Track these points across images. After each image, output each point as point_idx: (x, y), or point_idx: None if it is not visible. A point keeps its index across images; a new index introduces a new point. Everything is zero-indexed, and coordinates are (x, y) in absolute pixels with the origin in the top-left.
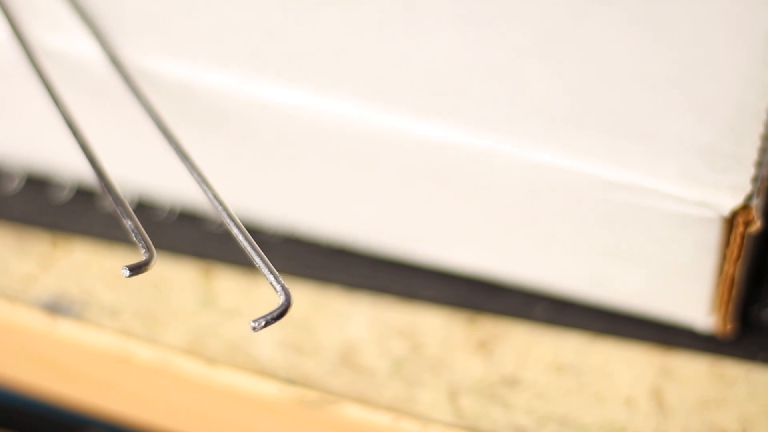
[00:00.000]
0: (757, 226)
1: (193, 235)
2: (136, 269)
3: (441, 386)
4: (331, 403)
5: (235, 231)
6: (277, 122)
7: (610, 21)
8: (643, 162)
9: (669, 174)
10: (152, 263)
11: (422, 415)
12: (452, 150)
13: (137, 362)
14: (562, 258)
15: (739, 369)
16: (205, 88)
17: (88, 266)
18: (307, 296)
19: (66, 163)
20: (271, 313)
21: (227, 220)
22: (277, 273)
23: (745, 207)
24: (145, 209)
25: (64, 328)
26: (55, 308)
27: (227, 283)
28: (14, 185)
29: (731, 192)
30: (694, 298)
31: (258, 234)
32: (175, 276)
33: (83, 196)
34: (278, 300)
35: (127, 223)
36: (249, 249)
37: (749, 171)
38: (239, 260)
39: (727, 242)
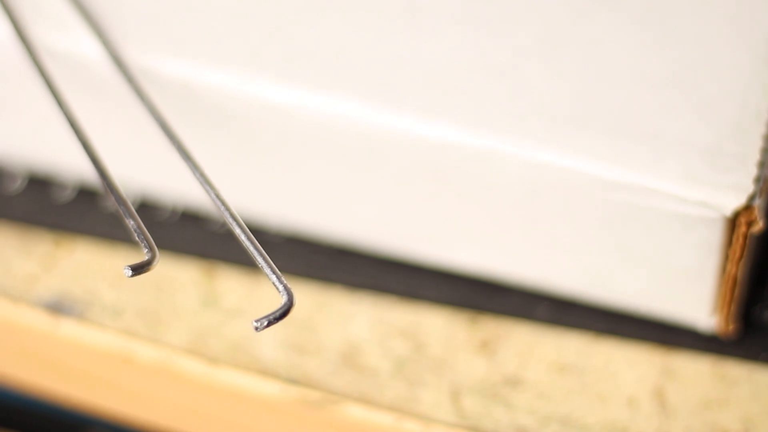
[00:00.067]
0: (759, 226)
1: (196, 234)
2: (138, 269)
3: (443, 386)
4: (334, 403)
5: (237, 231)
6: (279, 122)
7: (613, 21)
8: (645, 162)
9: (671, 174)
10: (154, 263)
11: (424, 415)
12: (454, 150)
13: (140, 362)
14: (564, 258)
15: (742, 369)
16: (208, 87)
17: (90, 266)
18: (309, 296)
19: (68, 163)
20: (273, 313)
21: (229, 220)
22: (279, 273)
23: (748, 207)
24: (147, 209)
25: (67, 327)
26: (58, 308)
27: (229, 282)
28: (17, 185)
29: (734, 192)
30: (697, 299)
31: (260, 234)
32: (177, 276)
33: (86, 195)
34: (280, 300)
35: (130, 223)
36: (251, 249)
37: (751, 171)
38: (241, 260)
39: (729, 242)
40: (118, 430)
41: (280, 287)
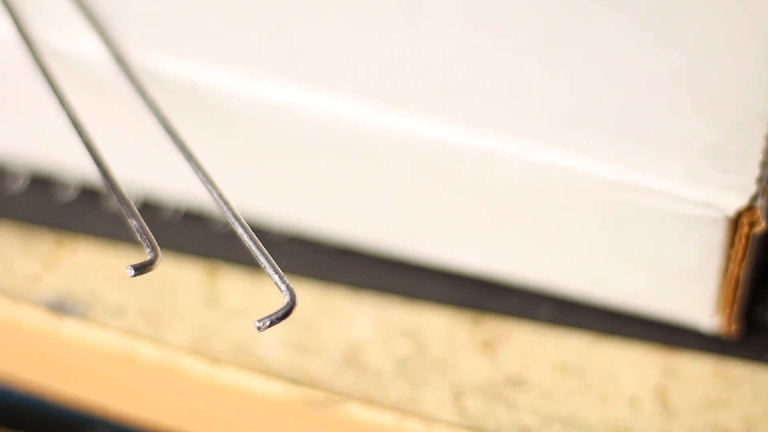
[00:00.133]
0: (761, 226)
1: (198, 234)
2: (140, 269)
3: (445, 386)
4: (336, 403)
5: (240, 231)
6: (282, 122)
7: (614, 21)
8: (647, 162)
9: (674, 174)
10: (157, 263)
11: (427, 415)
12: (456, 150)
13: (142, 362)
14: (567, 258)
15: (744, 369)
16: (210, 87)
17: (92, 266)
18: (311, 296)
19: (71, 163)
20: (275, 312)
21: (232, 220)
22: (281, 273)
23: (750, 207)
24: (150, 209)
25: (69, 327)
26: (60, 308)
27: (232, 282)
28: (19, 185)
29: (736, 192)
30: (699, 299)
31: (263, 234)
32: (179, 275)
33: (88, 195)
34: (283, 300)
35: (132, 223)
36: (254, 249)
37: (754, 171)
38: (244, 260)
39: (731, 243)
40: (121, 429)
41: (283, 287)
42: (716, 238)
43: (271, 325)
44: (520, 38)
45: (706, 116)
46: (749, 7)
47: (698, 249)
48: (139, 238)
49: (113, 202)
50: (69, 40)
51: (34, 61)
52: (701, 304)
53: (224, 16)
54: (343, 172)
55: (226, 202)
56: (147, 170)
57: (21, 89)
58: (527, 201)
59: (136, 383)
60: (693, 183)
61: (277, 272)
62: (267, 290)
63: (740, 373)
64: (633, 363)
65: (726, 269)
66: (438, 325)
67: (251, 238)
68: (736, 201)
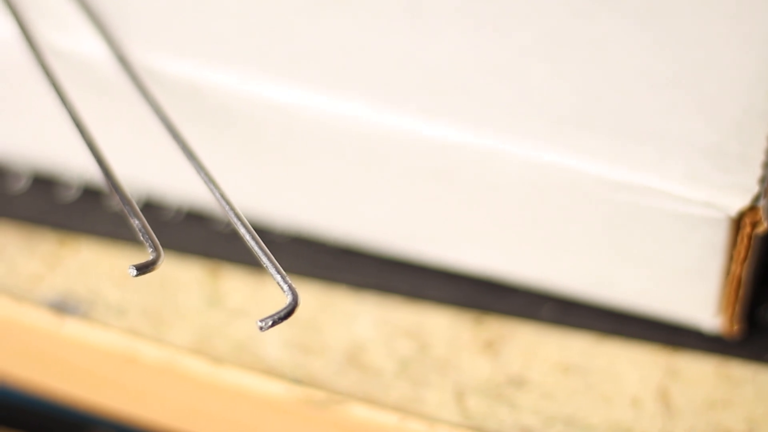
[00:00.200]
0: (764, 227)
1: (200, 234)
2: (143, 268)
3: (447, 386)
4: (338, 403)
5: (242, 230)
6: (284, 122)
7: (616, 21)
8: (649, 162)
9: (675, 174)
10: (159, 263)
11: (429, 415)
12: (458, 150)
13: (144, 362)
14: (569, 258)
15: (746, 370)
16: (213, 87)
17: (94, 265)
18: (313, 296)
19: (73, 162)
20: (278, 312)
21: (234, 220)
22: (284, 273)
23: (752, 208)
24: (152, 208)
25: (71, 327)
26: (62, 307)
27: (234, 282)
28: (21, 184)
29: (738, 193)
30: (701, 299)
31: (265, 234)
32: (181, 275)
33: (90, 195)
34: (285, 300)
35: (134, 223)
36: (256, 248)
37: (756, 171)
38: (246, 260)
39: (734, 243)
40: (122, 429)
41: (285, 287)
42: (718, 238)
43: (273, 325)
44: (521, 38)
45: (707, 116)
46: (750, 6)
47: (700, 249)
48: (141, 237)
49: (115, 202)
50: (71, 39)
51: (36, 60)
52: (703, 305)
53: (226, 16)
54: (345, 171)
55: (228, 202)
56: (149, 170)
57: (23, 89)
58: (528, 201)
59: (137, 383)
60: (694, 183)
61: (279, 272)
62: (269, 290)
63: (742, 373)
64: (635, 363)
65: (728, 269)
66: (440, 325)
67: (253, 238)
68: (738, 201)
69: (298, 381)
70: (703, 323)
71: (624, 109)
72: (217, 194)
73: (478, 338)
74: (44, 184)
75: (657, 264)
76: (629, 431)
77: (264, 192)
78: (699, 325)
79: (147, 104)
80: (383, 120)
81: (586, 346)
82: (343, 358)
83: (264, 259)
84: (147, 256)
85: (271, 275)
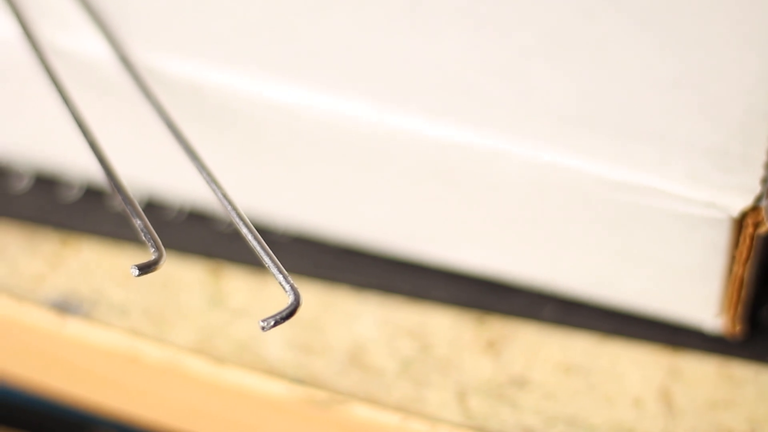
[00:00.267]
0: (766, 227)
1: (202, 234)
2: (145, 268)
3: (449, 386)
4: (340, 403)
5: (244, 230)
6: (286, 122)
7: (619, 21)
8: (651, 163)
9: (678, 175)
10: (161, 262)
11: (431, 415)
12: (461, 150)
13: (146, 361)
14: (571, 258)
15: (748, 370)
16: (215, 87)
17: (97, 265)
18: (315, 296)
19: (75, 162)
20: (280, 312)
21: (236, 220)
22: (286, 273)
23: (755, 208)
24: (154, 208)
25: (73, 327)
26: (64, 307)
27: (236, 282)
28: (23, 184)
29: (740, 193)
30: (703, 299)
31: (267, 233)
32: (184, 275)
33: (92, 195)
34: (287, 300)
35: (136, 223)
36: (258, 248)
37: (758, 172)
38: (248, 260)
39: (736, 243)
40: (124, 429)
41: (287, 287)
42: (720, 238)
43: (275, 325)
44: (524, 38)
45: (709, 116)
46: (753, 8)
47: (702, 249)
48: (144, 237)
49: (117, 202)
50: (73, 39)
51: (38, 60)
52: (705, 305)
53: (228, 16)
54: (347, 171)
55: (230, 202)
56: (151, 170)
57: (25, 89)
58: (531, 201)
59: (139, 383)
60: (697, 183)
61: (281, 272)
62: (271, 290)
63: (744, 373)
64: (637, 363)
65: (730, 270)
66: (442, 325)
67: (255, 238)
68: (741, 201)
69: (300, 381)
70: (705, 323)
71: (626, 109)
72: (219, 194)
73: (480, 338)
74: (46, 183)
75: (659, 264)
76: (631, 431)
77: (266, 192)
78: (701, 325)
79: (149, 104)
80: (385, 120)
81: (588, 346)
82: (345, 358)
83: (266, 259)
84: (149, 256)
85: (273, 275)
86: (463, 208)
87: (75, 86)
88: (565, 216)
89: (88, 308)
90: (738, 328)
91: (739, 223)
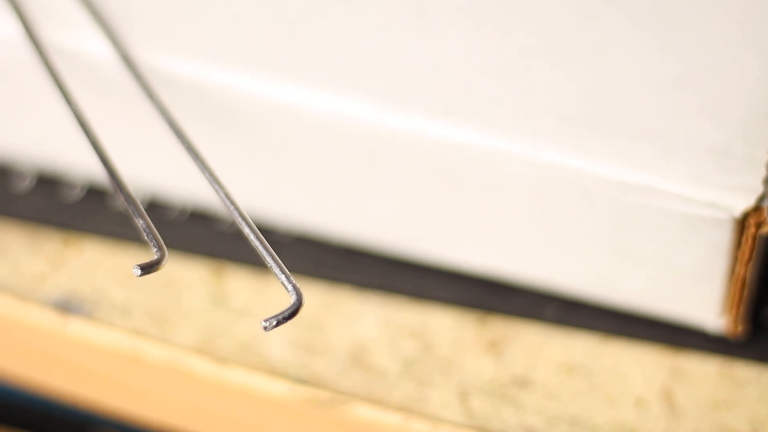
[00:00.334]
0: None
1: (205, 234)
2: (147, 268)
3: (451, 386)
4: (342, 403)
5: (246, 230)
6: (289, 122)
7: (621, 22)
8: (654, 163)
9: (680, 175)
10: (164, 262)
11: (433, 415)
12: (462, 150)
13: (148, 361)
14: (573, 258)
15: (750, 370)
16: (216, 87)
17: (99, 265)
18: (318, 296)
19: (77, 162)
20: (282, 312)
21: (239, 220)
22: (288, 273)
23: (757, 208)
24: (156, 208)
25: (75, 326)
26: (66, 307)
27: (238, 282)
28: (26, 184)
29: (743, 193)
30: (705, 300)
31: (269, 233)
32: (186, 275)
33: (95, 195)
34: (289, 300)
35: (139, 222)
36: (260, 248)
37: (761, 172)
38: (250, 260)
39: (738, 244)
40: (126, 429)
41: (289, 287)
42: (723, 238)
43: (277, 324)
44: (526, 38)
45: (712, 117)
46: (755, 8)
47: (704, 250)
48: (146, 237)
49: (120, 202)
50: (75, 39)
51: (40, 60)
52: (707, 305)
53: (230, 16)
54: (349, 171)
55: (232, 202)
56: (153, 169)
57: (28, 89)
58: (533, 201)
59: (141, 383)
60: (699, 184)
61: (283, 272)
62: (273, 290)
63: (746, 373)
64: (639, 363)
65: (732, 270)
66: (444, 326)
67: (258, 238)
68: (743, 202)
69: (302, 381)
70: (707, 324)
71: (629, 109)
72: (222, 194)
73: (482, 338)
74: (48, 183)
75: (661, 264)
76: (633, 431)
77: (268, 192)
78: (703, 325)
79: (151, 104)
80: (387, 120)
81: (590, 346)
82: (347, 358)
83: (268, 259)
84: (151, 255)
85: (276, 275)
86: (464, 208)
87: (77, 86)
88: (567, 216)
89: (90, 308)
90: (740, 328)
91: (742, 223)
